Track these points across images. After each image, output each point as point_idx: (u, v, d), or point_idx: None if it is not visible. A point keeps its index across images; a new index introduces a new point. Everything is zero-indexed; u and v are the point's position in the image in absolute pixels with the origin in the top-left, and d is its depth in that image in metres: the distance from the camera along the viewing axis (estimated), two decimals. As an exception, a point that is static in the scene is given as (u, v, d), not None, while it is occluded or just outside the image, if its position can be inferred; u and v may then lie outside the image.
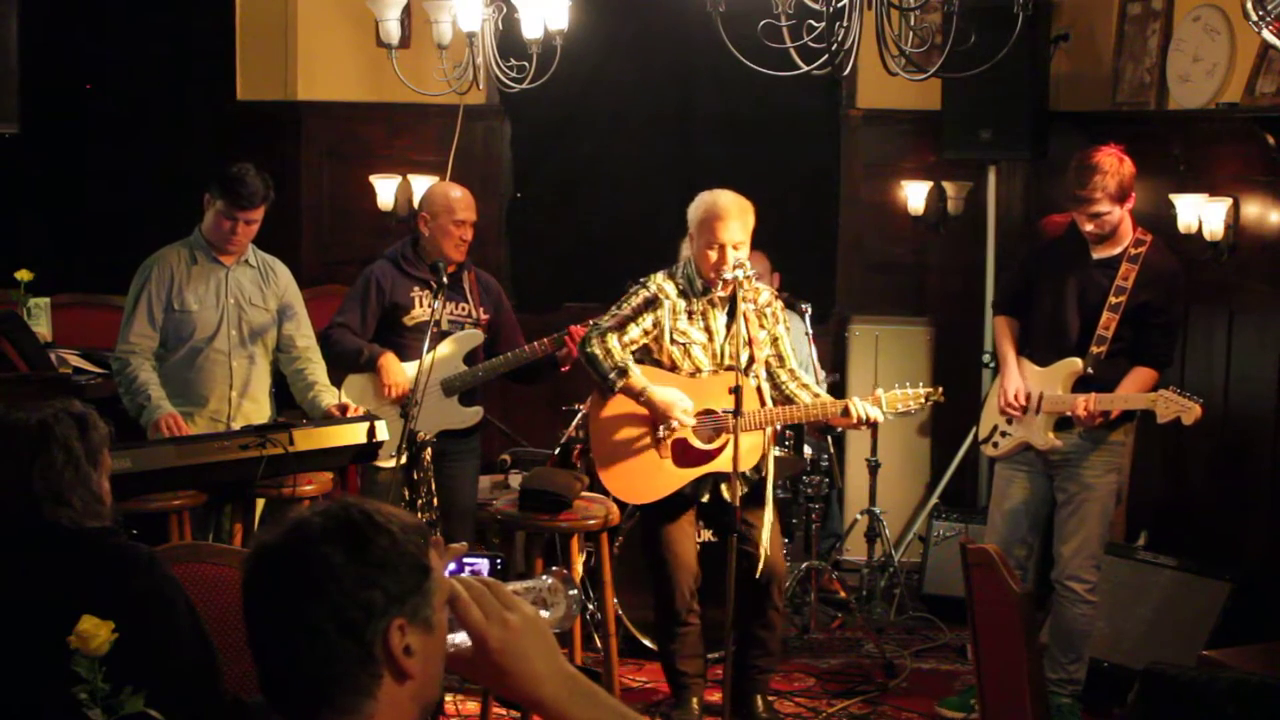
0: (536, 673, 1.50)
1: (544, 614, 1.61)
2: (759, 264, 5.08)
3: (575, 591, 1.67)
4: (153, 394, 4.53)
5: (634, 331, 4.45)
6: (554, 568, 1.73)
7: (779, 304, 4.59)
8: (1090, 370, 4.46)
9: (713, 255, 4.35)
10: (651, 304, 4.44)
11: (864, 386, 6.16)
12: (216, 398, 4.68)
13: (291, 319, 4.81)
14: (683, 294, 4.44)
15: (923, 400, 4.44)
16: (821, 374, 5.48)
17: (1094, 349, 4.45)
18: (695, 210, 4.43)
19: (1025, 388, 4.56)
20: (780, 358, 4.53)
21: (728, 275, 4.27)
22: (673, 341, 4.44)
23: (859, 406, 4.37)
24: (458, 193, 5.00)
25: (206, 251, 4.68)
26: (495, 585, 1.53)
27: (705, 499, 4.50)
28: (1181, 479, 5.33)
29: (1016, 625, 3.23)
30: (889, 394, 4.42)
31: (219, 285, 4.69)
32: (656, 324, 4.44)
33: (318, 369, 4.80)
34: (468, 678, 1.55)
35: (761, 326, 4.47)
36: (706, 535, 4.93)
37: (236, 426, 4.61)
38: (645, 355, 4.50)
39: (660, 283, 4.46)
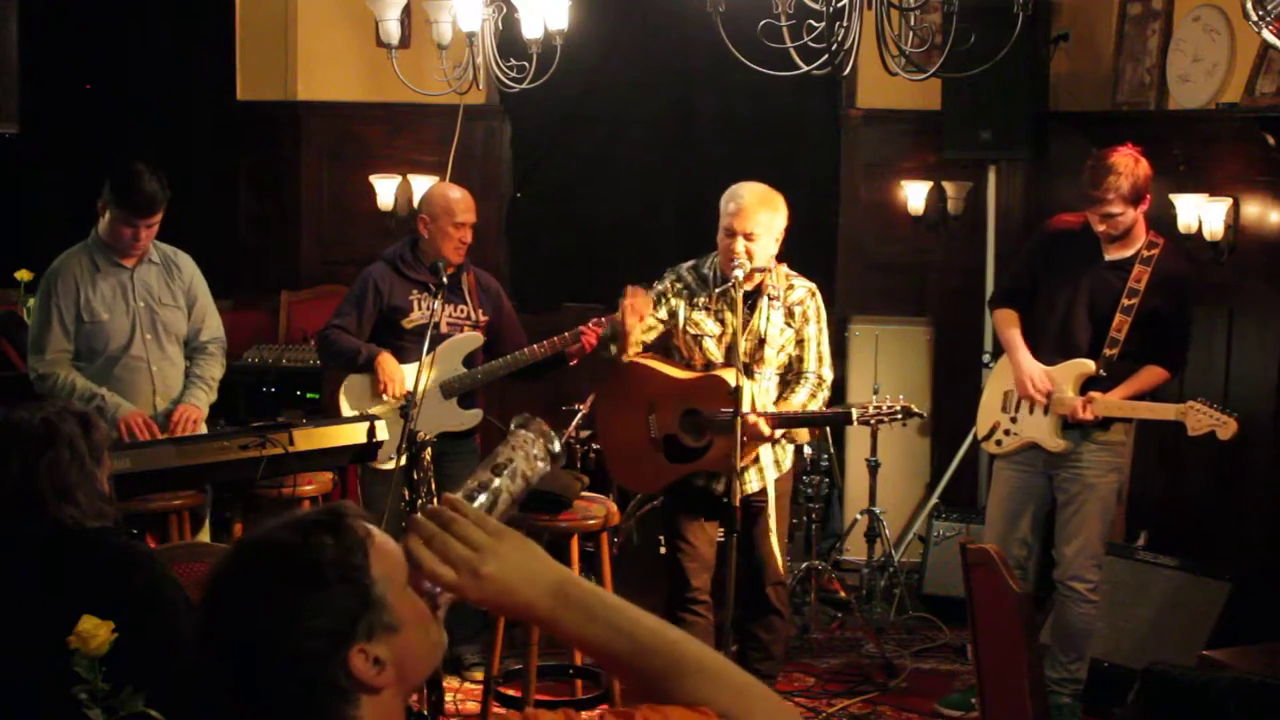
0: (524, 601, 1.47)
1: (520, 481, 1.61)
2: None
3: (546, 437, 1.64)
4: (106, 395, 4.39)
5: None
6: (513, 425, 1.68)
7: (815, 302, 4.43)
8: (1103, 372, 4.45)
9: (726, 244, 4.29)
10: (664, 294, 4.41)
11: (864, 386, 6.16)
12: (140, 405, 4.49)
13: (196, 309, 4.65)
14: (702, 283, 4.41)
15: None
16: None
17: (1106, 351, 4.42)
18: (722, 198, 4.37)
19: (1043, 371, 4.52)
20: (800, 359, 4.43)
21: (738, 270, 4.20)
22: (684, 332, 4.42)
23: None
24: (457, 194, 4.98)
25: (107, 255, 4.51)
26: (457, 523, 1.47)
27: (719, 491, 4.47)
28: (1181, 479, 5.33)
29: (1016, 625, 3.23)
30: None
31: (125, 289, 4.52)
32: (672, 314, 4.41)
33: (207, 362, 4.64)
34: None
35: (788, 324, 4.39)
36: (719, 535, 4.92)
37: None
38: (666, 343, 4.48)
39: (682, 271, 4.44)
